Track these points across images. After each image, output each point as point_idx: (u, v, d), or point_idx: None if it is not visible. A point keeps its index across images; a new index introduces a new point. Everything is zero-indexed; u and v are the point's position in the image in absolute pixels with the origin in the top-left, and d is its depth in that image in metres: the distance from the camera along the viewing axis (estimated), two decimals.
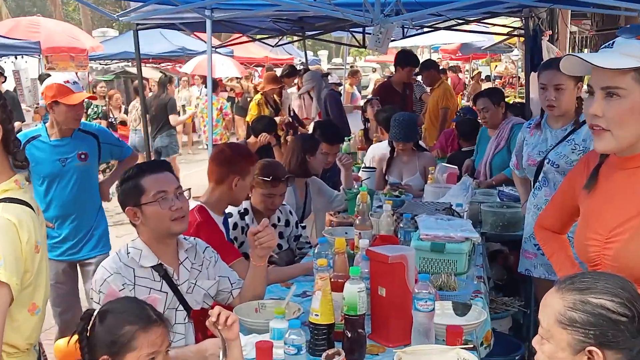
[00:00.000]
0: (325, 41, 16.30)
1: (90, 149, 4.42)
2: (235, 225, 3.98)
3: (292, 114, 9.38)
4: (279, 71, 10.91)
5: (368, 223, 3.47)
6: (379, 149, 6.01)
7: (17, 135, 2.29)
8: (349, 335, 2.46)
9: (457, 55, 22.76)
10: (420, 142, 6.00)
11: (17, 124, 7.22)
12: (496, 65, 23.56)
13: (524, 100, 7.97)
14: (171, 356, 2.28)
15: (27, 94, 13.31)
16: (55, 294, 4.41)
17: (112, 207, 4.65)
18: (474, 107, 6.66)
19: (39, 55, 13.74)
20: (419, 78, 9.45)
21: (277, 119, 8.21)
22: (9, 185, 2.15)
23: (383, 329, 2.61)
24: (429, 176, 5.12)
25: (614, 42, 2.12)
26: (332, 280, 2.58)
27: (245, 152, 3.72)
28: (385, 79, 8.46)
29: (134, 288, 2.63)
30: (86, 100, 4.88)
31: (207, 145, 7.23)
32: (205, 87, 15.21)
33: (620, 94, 2.06)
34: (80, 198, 4.39)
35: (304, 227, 4.46)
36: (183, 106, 14.52)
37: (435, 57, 23.31)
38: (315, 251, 3.00)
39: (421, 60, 10.12)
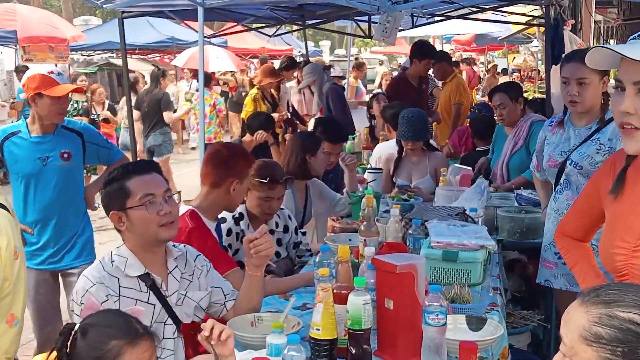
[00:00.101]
0: (328, 31, 16.34)
1: (73, 148, 4.40)
2: (229, 231, 3.98)
3: (291, 110, 9.39)
4: (276, 63, 10.92)
5: (374, 229, 3.46)
6: (386, 149, 6.01)
7: None
8: (353, 351, 2.46)
9: (471, 46, 22.78)
10: (431, 141, 6.00)
11: None
12: (514, 58, 23.55)
13: (544, 96, 7.97)
14: None
15: (2, 87, 13.35)
16: (34, 306, 4.40)
17: (94, 211, 4.64)
18: (489, 103, 6.66)
19: (15, 46, 13.77)
20: (430, 71, 9.44)
21: (275, 115, 8.22)
22: None
23: (390, 345, 2.61)
24: (441, 178, 5.13)
25: None
26: (335, 291, 2.58)
27: (243, 152, 3.72)
28: (400, 72, 8.46)
29: (119, 299, 2.63)
30: None
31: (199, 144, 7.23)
32: (196, 81, 15.28)
33: None
34: (62, 201, 4.37)
35: (304, 234, 4.46)
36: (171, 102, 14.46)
37: (447, 48, 23.34)
38: (317, 260, 3.00)
39: None
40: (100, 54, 19.92)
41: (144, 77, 14.47)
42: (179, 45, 17.71)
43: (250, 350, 2.62)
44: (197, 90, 13.88)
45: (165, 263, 2.79)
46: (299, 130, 8.05)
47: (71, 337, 2.15)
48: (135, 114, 10.51)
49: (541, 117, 5.68)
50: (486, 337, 2.66)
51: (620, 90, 2.14)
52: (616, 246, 2.34)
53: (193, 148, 15.95)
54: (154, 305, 2.71)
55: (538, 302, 4.65)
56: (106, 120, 11.98)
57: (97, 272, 2.66)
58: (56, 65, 11.73)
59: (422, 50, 7.75)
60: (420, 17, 9.19)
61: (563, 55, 5.60)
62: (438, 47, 26.69)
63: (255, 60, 20.07)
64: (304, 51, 13.28)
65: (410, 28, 10.52)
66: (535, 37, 17.57)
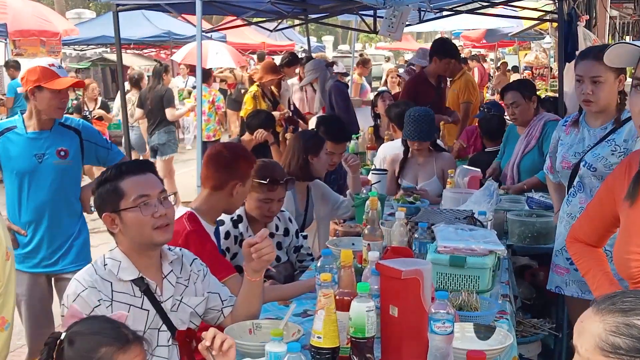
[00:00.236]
0: (331, 25, 16.35)
1: (71, 146, 4.39)
2: (227, 234, 3.98)
3: (292, 108, 9.39)
4: (277, 59, 10.92)
5: (378, 233, 3.47)
6: (391, 149, 6.02)
7: None
8: None
9: (481, 42, 22.78)
10: (439, 141, 6.00)
11: None
12: (525, 55, 23.54)
13: (556, 94, 7.97)
14: None
15: None
16: (28, 311, 4.40)
17: (90, 213, 4.63)
18: (500, 102, 6.65)
19: (5, 40, 13.79)
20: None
21: (276, 113, 8.22)
22: None
23: (395, 353, 2.60)
24: (448, 180, 5.12)
25: None
26: (337, 297, 2.58)
27: (245, 153, 3.72)
28: (419, 71, 8.45)
29: (111, 304, 2.63)
30: None
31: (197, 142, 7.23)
32: (193, 77, 15.29)
33: None
34: (57, 201, 4.36)
35: (305, 237, 4.46)
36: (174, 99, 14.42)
37: (456, 44, 23.32)
38: (318, 264, 3.00)
39: None
40: (93, 48, 19.94)
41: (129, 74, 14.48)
42: (175, 40, 17.72)
43: (249, 358, 2.62)
44: (193, 87, 13.90)
45: (160, 267, 2.79)
46: (300, 129, 8.05)
47: (57, 347, 2.15)
48: (139, 111, 10.52)
49: (555, 116, 5.67)
50: (495, 346, 2.66)
51: (638, 89, 2.14)
52: (632, 252, 2.34)
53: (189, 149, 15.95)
54: (148, 310, 2.71)
55: (549, 310, 4.65)
56: (100, 118, 11.97)
57: (89, 275, 2.66)
58: None
59: (443, 48, 7.76)
60: (428, 11, 9.18)
61: (577, 53, 5.60)
62: None
63: (255, 56, 20.08)
64: (306, 47, 13.28)
65: (418, 23, 10.52)
66: (548, 33, 17.57)
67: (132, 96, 11.10)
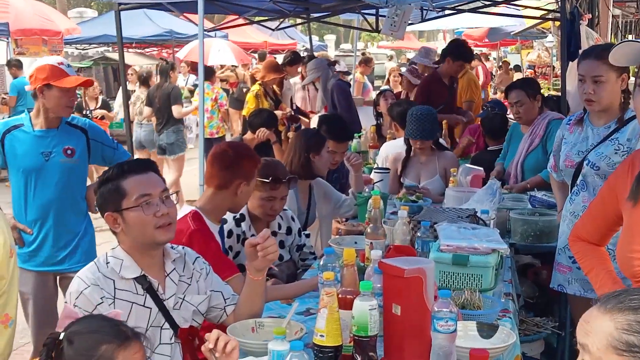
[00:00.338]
0: (333, 24, 16.35)
1: (77, 145, 4.40)
2: (230, 233, 3.98)
3: (294, 107, 9.39)
4: (279, 59, 10.92)
5: (381, 232, 3.46)
6: (394, 148, 6.01)
7: None
8: (359, 359, 2.46)
9: (483, 41, 22.77)
10: (441, 140, 6.00)
11: None
12: (528, 53, 23.54)
13: (559, 93, 7.96)
14: None
15: None
16: (34, 310, 4.41)
17: (95, 213, 4.64)
18: (503, 101, 6.64)
19: (7, 39, 13.80)
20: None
21: (278, 112, 8.22)
22: None
23: (397, 352, 2.60)
24: (451, 179, 5.12)
25: None
26: (340, 296, 2.58)
27: (249, 152, 3.72)
28: (432, 70, 8.46)
29: (114, 302, 2.64)
30: None
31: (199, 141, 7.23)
32: (194, 75, 15.31)
33: None
34: (63, 199, 4.36)
35: (307, 236, 4.46)
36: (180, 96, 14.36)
37: (471, 48, 23.31)
38: (321, 263, 3.00)
39: (440, 48, 10.11)
40: (95, 47, 19.95)
41: (136, 71, 14.46)
42: (177, 39, 17.72)
43: (251, 357, 2.62)
44: (193, 86, 13.89)
45: (162, 265, 2.79)
46: (303, 127, 8.05)
47: (56, 347, 2.15)
48: (148, 109, 10.52)
49: (559, 115, 5.65)
50: (498, 344, 2.66)
51: None
52: (635, 250, 2.34)
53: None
54: (150, 308, 2.72)
55: (552, 309, 4.65)
56: (101, 118, 11.97)
57: (92, 273, 2.67)
58: None
59: (458, 50, 7.77)
60: (430, 10, 9.18)
61: (580, 51, 5.59)
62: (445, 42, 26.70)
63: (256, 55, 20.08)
64: (308, 46, 13.27)
65: (420, 22, 10.52)
66: (550, 32, 17.56)
67: (141, 94, 11.11)
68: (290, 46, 20.45)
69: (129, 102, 11.29)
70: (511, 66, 21.34)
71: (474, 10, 9.60)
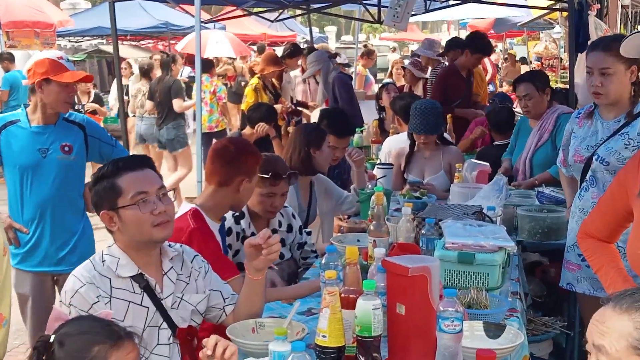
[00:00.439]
0: (334, 15, 16.32)
1: (75, 141, 4.40)
2: (229, 231, 3.98)
3: (294, 101, 9.39)
4: (279, 51, 10.91)
5: (384, 229, 3.46)
6: (397, 143, 6.01)
7: None
8: None
9: (489, 33, 22.74)
10: (446, 135, 5.99)
11: None
12: (534, 45, 23.52)
13: (567, 86, 7.96)
14: None
15: None
16: (32, 311, 4.41)
17: (92, 212, 4.63)
18: (511, 94, 6.63)
19: None
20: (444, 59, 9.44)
21: (277, 106, 8.22)
22: None
23: (402, 353, 2.61)
24: (456, 174, 5.12)
25: None
26: (342, 295, 2.59)
27: (251, 148, 3.71)
28: (450, 61, 8.47)
29: (110, 301, 2.64)
30: None
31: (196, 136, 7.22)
32: (190, 68, 15.27)
33: None
34: (61, 197, 4.36)
35: (308, 234, 4.47)
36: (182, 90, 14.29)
37: (462, 35, 23.30)
38: (322, 262, 3.00)
39: (445, 39, 10.11)
40: (89, 40, 19.93)
41: (130, 65, 14.45)
42: (173, 31, 17.70)
43: (252, 358, 2.62)
44: (188, 78, 13.87)
45: (160, 264, 2.80)
46: (304, 121, 8.05)
47: (47, 350, 2.15)
48: (150, 103, 10.52)
49: (569, 109, 5.64)
50: (505, 345, 2.66)
51: None
52: None
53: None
54: (148, 308, 2.72)
55: (560, 308, 4.66)
56: (93, 112, 11.95)
57: (88, 271, 2.67)
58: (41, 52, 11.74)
59: (478, 43, 7.78)
60: (434, 0, 9.18)
61: (589, 43, 5.58)
62: (453, 34, 26.66)
63: (256, 47, 20.07)
64: (308, 37, 13.28)
65: (423, 12, 10.52)
66: (558, 23, 17.53)
67: (142, 86, 11.11)
68: (290, 38, 20.44)
69: (131, 95, 11.33)
70: (517, 58, 21.31)
71: (479, 0, 9.59)
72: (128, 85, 12.22)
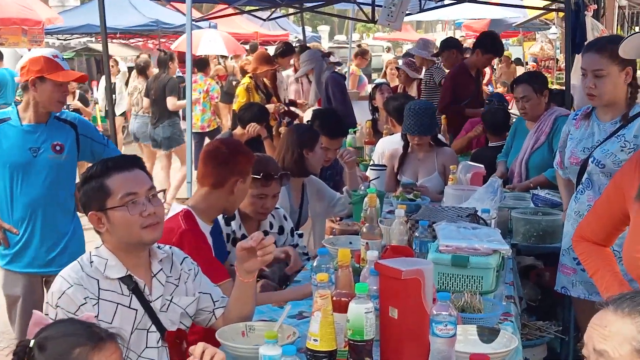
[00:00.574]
0: (327, 14, 16.35)
1: (66, 140, 4.38)
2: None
3: (286, 101, 9.38)
4: (270, 51, 10.90)
5: (377, 231, 3.47)
6: (390, 144, 6.02)
7: None
8: None
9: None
10: (440, 136, 6.00)
11: None
12: (530, 46, 23.56)
13: (563, 87, 7.98)
14: None
15: None
16: (22, 313, 4.38)
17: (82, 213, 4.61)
18: (506, 95, 6.64)
19: None
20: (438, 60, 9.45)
21: (270, 106, 8.21)
22: None
23: (394, 357, 2.61)
24: (450, 176, 5.12)
25: None
26: (334, 298, 2.58)
27: (244, 148, 3.71)
28: (460, 59, 8.48)
29: (98, 302, 2.64)
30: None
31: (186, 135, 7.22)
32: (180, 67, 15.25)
33: None
34: (51, 197, 4.34)
35: (300, 236, 4.47)
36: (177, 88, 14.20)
37: (457, 35, 23.35)
38: (314, 264, 3.00)
39: (439, 40, 10.11)
40: (78, 38, 19.86)
41: (117, 63, 14.42)
42: (164, 29, 17.66)
43: None
44: (177, 77, 13.87)
45: (149, 266, 2.79)
46: (297, 122, 8.05)
47: (27, 355, 2.14)
48: (146, 101, 10.50)
49: (567, 111, 5.65)
50: (499, 349, 2.66)
51: None
52: None
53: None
54: (136, 310, 2.71)
55: (555, 312, 4.66)
56: (74, 110, 11.90)
57: (75, 272, 2.66)
58: (29, 51, 11.71)
59: (489, 43, 7.80)
60: (429, 0, 9.19)
61: (585, 44, 5.59)
62: (448, 34, 26.69)
63: (248, 46, 20.06)
64: (300, 37, 13.30)
65: (418, 12, 10.53)
66: (554, 23, 17.59)
67: (139, 84, 11.09)
68: (282, 37, 20.41)
69: (127, 92, 11.31)
70: (512, 59, 21.34)
71: (474, 1, 9.60)
72: (115, 83, 12.20)
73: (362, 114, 8.82)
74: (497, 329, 2.81)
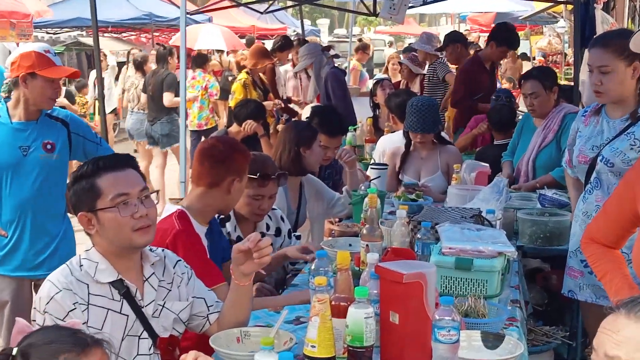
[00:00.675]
0: (327, 7, 16.35)
1: (58, 139, 4.37)
2: None
3: (284, 97, 9.39)
4: (268, 45, 10.89)
5: (377, 233, 3.47)
6: (392, 142, 6.02)
7: None
8: None
9: (490, 27, 22.80)
10: (443, 134, 6.00)
11: None
12: (537, 40, 23.58)
13: (571, 83, 7.99)
14: None
15: None
16: (7, 318, 4.37)
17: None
18: (512, 90, 6.62)
19: None
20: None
21: (267, 103, 8.22)
22: None
23: None
24: (454, 175, 5.13)
25: None
26: (333, 303, 2.59)
27: (240, 146, 3.71)
28: (474, 52, 8.49)
29: (88, 308, 2.63)
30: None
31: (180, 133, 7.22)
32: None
33: None
34: (42, 198, 4.33)
35: (298, 238, 4.47)
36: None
37: (462, 28, 23.35)
38: (312, 267, 3.00)
39: (443, 33, 10.11)
40: (68, 31, 19.85)
41: (105, 57, 14.42)
42: (157, 22, 17.67)
43: None
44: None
45: (141, 269, 2.79)
46: (294, 119, 8.05)
47: None
48: (143, 97, 10.51)
49: (576, 108, 5.64)
50: (504, 356, 2.66)
51: None
52: None
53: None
54: (127, 316, 2.71)
55: (562, 317, 4.66)
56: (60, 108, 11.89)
57: (64, 277, 2.66)
58: (18, 45, 11.70)
59: (504, 35, 7.81)
60: None
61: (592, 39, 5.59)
62: (453, 27, 26.70)
63: (244, 41, 20.07)
64: (299, 30, 13.30)
65: (421, 5, 10.56)
66: (562, 17, 17.59)
67: (136, 80, 11.09)
68: (280, 31, 20.43)
69: (119, 88, 11.30)
70: (518, 54, 21.35)
71: None
72: (103, 79, 12.20)
73: (362, 110, 8.81)
74: (502, 334, 2.81)
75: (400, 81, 9.97)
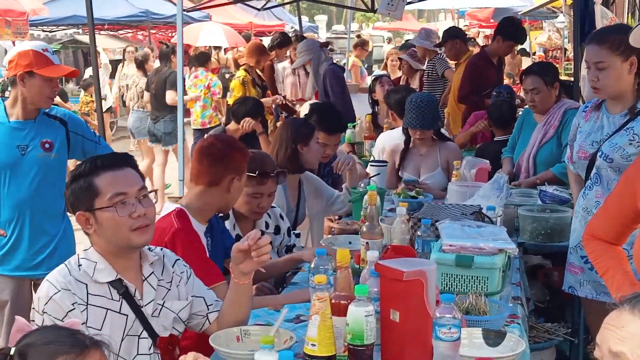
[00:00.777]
0: (324, 3, 16.32)
1: (56, 138, 4.37)
2: None
3: (282, 94, 9.38)
4: (265, 42, 10.88)
5: (377, 230, 3.47)
6: (391, 139, 6.02)
7: None
8: None
9: (489, 22, 22.78)
10: (443, 130, 6.00)
11: None
12: (537, 35, 23.55)
13: (571, 78, 7.98)
14: None
15: None
16: (7, 318, 4.37)
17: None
18: (513, 86, 6.62)
19: None
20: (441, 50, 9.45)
21: (265, 100, 8.21)
22: None
23: None
24: (454, 172, 5.13)
25: None
26: (333, 301, 2.59)
27: (238, 145, 3.71)
28: (465, 50, 8.49)
29: (87, 308, 2.63)
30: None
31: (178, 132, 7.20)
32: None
33: None
34: (40, 197, 4.33)
35: (297, 235, 4.47)
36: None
37: (461, 24, 23.35)
38: (312, 265, 3.00)
39: (442, 29, 10.10)
40: (64, 29, 19.86)
41: (99, 54, 14.40)
42: (154, 20, 17.67)
43: None
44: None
45: (140, 269, 2.79)
46: (292, 116, 8.04)
47: None
48: (146, 96, 10.51)
49: (577, 104, 5.63)
50: (505, 353, 2.67)
51: None
52: None
53: None
54: (127, 315, 2.71)
55: (564, 314, 4.66)
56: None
57: (63, 277, 2.66)
58: (14, 43, 11.71)
59: (510, 30, 7.81)
60: None
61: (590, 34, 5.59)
62: (452, 23, 26.70)
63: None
64: (297, 27, 13.29)
65: (420, 0, 10.53)
66: (562, 12, 17.58)
67: (137, 78, 11.08)
68: (278, 28, 20.41)
69: (115, 86, 11.29)
70: (517, 49, 21.34)
71: None
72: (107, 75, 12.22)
73: (361, 107, 8.81)
74: (503, 331, 2.81)
75: (399, 77, 9.96)
